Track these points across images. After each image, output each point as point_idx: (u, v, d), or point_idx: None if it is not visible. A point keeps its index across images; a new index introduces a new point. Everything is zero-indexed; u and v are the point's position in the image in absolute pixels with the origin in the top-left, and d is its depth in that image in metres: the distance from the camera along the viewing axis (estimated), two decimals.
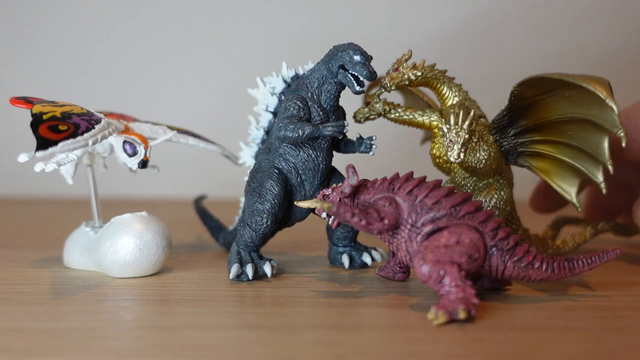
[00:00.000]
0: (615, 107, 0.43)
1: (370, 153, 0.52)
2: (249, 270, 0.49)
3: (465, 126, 0.47)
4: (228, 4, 1.00)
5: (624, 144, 0.45)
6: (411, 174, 0.45)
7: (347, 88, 0.50)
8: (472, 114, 0.47)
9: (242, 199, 0.55)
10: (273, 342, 0.37)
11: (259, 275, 0.50)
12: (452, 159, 0.47)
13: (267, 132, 0.54)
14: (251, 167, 0.54)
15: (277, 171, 0.50)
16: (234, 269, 0.49)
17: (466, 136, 0.47)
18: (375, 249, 0.55)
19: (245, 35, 0.99)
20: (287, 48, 0.96)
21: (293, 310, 0.43)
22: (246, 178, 0.53)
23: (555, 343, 0.37)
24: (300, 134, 0.48)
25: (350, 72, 0.48)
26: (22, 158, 0.45)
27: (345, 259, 0.53)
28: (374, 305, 0.44)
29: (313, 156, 0.50)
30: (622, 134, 0.44)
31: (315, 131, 0.48)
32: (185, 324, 0.40)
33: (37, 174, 0.49)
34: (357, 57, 0.48)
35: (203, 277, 0.51)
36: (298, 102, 0.49)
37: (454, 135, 0.47)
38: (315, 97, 0.50)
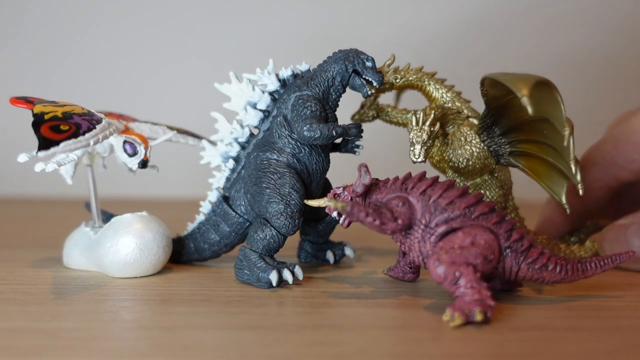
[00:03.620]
0: (529, 108, 0.42)
1: (356, 154, 0.54)
2: (276, 276, 0.47)
3: (425, 127, 0.47)
4: (228, 4, 1.00)
5: (565, 143, 0.45)
6: (424, 173, 0.45)
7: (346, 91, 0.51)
8: (432, 115, 0.47)
9: (212, 198, 0.53)
10: (273, 342, 0.37)
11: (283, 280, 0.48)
12: (412, 159, 0.47)
13: (253, 130, 0.52)
14: (219, 167, 0.54)
15: (293, 170, 0.50)
16: (274, 277, 0.47)
17: (424, 136, 0.47)
18: (346, 245, 0.56)
19: (244, 36, 0.99)
20: (285, 48, 0.96)
21: (293, 310, 0.43)
22: None
23: (555, 343, 0.37)
24: (334, 134, 0.48)
25: (363, 77, 0.50)
26: (22, 158, 0.45)
27: (330, 255, 0.55)
28: (374, 305, 0.44)
29: (322, 157, 0.51)
30: (566, 133, 0.44)
31: (344, 132, 0.49)
32: (185, 324, 0.40)
33: (37, 174, 0.49)
34: (368, 63, 0.50)
35: (203, 277, 0.51)
36: (317, 103, 0.49)
37: (414, 135, 0.47)
38: (324, 97, 0.50)
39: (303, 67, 0.52)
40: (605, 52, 0.95)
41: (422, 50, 0.51)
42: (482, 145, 0.50)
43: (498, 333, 0.38)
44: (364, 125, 0.52)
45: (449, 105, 0.52)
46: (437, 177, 0.44)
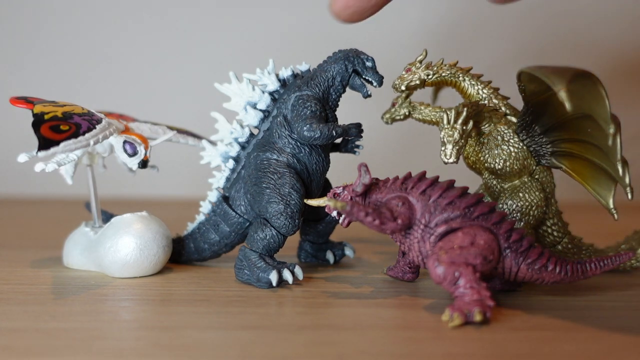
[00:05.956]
0: (567, 104, 0.38)
1: (356, 154, 0.54)
2: (276, 276, 0.47)
3: (457, 125, 0.45)
4: (228, 5, 1.00)
5: (609, 143, 0.41)
6: (424, 173, 0.45)
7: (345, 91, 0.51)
8: (464, 113, 0.45)
9: (213, 198, 0.53)
10: (273, 342, 0.37)
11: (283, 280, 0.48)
12: (443, 160, 0.45)
13: (253, 130, 0.53)
14: (219, 167, 0.54)
15: (293, 170, 0.50)
16: (274, 277, 0.47)
17: (456, 136, 0.45)
18: (346, 245, 0.57)
19: (244, 36, 0.99)
20: (285, 48, 0.96)
21: (293, 310, 0.43)
22: None
23: (555, 343, 0.37)
24: (334, 134, 0.48)
25: (363, 77, 0.50)
26: (22, 158, 0.45)
27: (330, 255, 0.55)
28: (374, 305, 0.44)
29: (322, 157, 0.51)
30: (610, 131, 0.40)
31: (344, 132, 0.49)
32: (185, 324, 0.40)
33: (37, 174, 0.49)
34: (368, 63, 0.50)
35: (203, 277, 0.51)
36: (317, 103, 0.49)
37: (445, 134, 0.45)
38: (324, 97, 0.50)
39: (303, 67, 0.52)
40: (608, 48, 0.95)
41: (421, 49, 0.51)
42: (520, 144, 0.47)
43: (498, 333, 0.38)
44: (364, 125, 0.52)
45: (486, 102, 0.49)
46: (437, 177, 0.44)
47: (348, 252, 0.56)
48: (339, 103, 0.51)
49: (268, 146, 0.51)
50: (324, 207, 0.49)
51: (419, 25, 0.96)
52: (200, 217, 0.54)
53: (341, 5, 0.43)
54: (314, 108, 0.49)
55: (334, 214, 0.47)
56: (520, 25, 0.96)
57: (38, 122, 0.44)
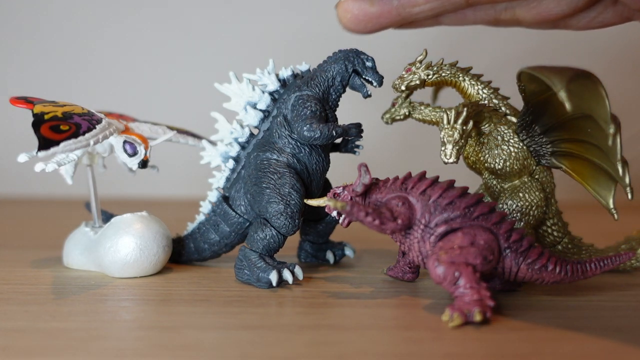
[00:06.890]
0: (567, 104, 0.38)
1: (356, 154, 0.54)
2: (276, 276, 0.47)
3: (457, 125, 0.45)
4: (228, 5, 1.00)
5: (610, 143, 0.41)
6: (424, 173, 0.45)
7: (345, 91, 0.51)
8: (465, 113, 0.45)
9: (213, 198, 0.53)
10: (273, 342, 0.37)
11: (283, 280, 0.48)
12: (443, 160, 0.45)
13: (253, 130, 0.53)
14: (219, 167, 0.54)
15: (293, 170, 0.50)
16: (274, 277, 0.47)
17: (456, 136, 0.45)
18: (346, 245, 0.57)
19: (244, 36, 0.99)
20: (285, 48, 0.96)
21: (293, 310, 0.43)
22: None
23: (555, 343, 0.37)
24: (334, 134, 0.48)
25: (363, 77, 0.50)
26: (22, 158, 0.45)
27: (330, 255, 0.55)
28: (374, 305, 0.44)
29: (322, 157, 0.51)
30: (610, 131, 0.40)
31: (344, 132, 0.49)
32: (185, 324, 0.40)
33: (37, 174, 0.49)
34: (368, 63, 0.50)
35: (203, 277, 0.51)
36: (317, 103, 0.49)
37: (445, 134, 0.45)
38: (324, 97, 0.50)
39: (303, 67, 0.52)
40: (611, 47, 0.95)
41: (421, 49, 0.51)
42: (520, 144, 0.48)
43: (498, 333, 0.38)
44: (364, 125, 0.52)
45: (486, 102, 0.49)
46: (437, 177, 0.44)
47: (348, 252, 0.56)
48: (339, 103, 0.51)
49: (268, 146, 0.51)
50: (324, 207, 0.49)
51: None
52: (200, 217, 0.54)
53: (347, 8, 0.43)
54: (314, 108, 0.49)
55: (334, 214, 0.47)
56: None
57: (38, 122, 0.44)
